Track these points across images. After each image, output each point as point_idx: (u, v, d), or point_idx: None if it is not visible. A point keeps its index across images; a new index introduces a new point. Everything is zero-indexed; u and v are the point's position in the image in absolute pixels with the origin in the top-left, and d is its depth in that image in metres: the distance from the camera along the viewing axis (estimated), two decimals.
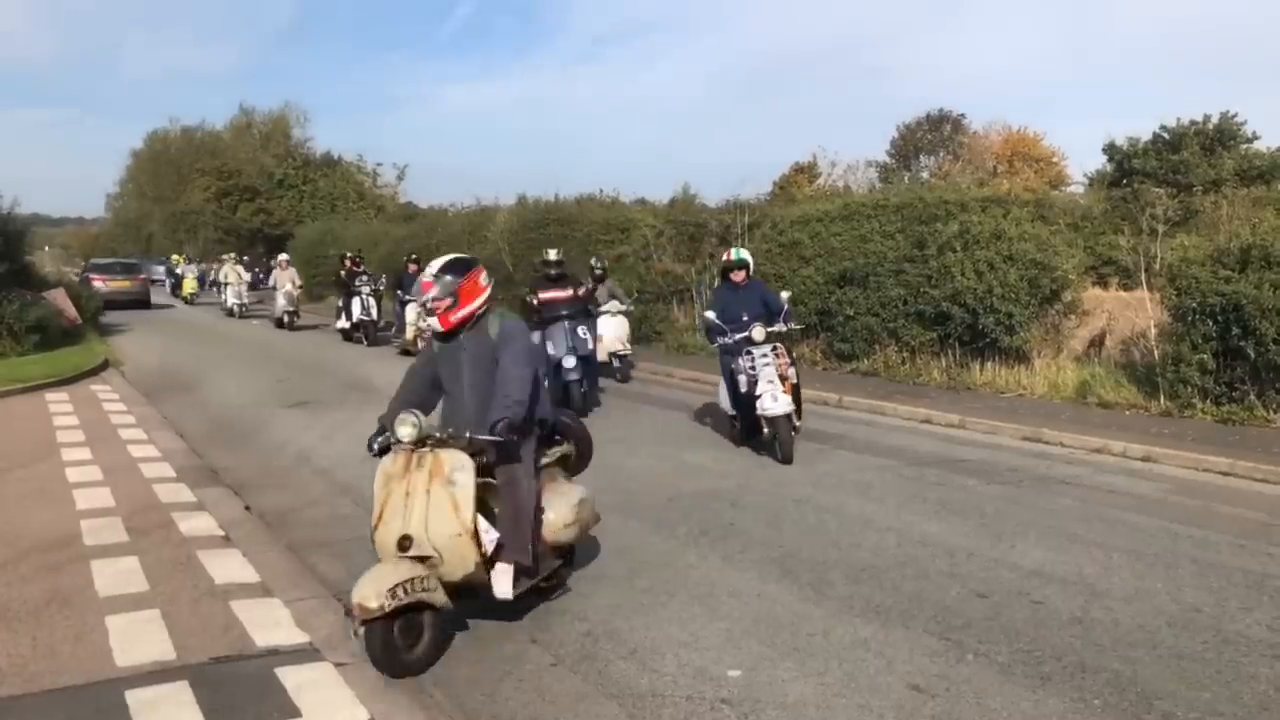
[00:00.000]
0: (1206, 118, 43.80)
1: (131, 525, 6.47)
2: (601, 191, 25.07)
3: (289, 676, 4.18)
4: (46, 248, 51.16)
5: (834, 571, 5.66)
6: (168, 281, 42.28)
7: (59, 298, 19.84)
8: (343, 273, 21.68)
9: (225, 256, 31.86)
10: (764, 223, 17.63)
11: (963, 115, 54.40)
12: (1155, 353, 11.14)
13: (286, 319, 24.16)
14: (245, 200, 52.74)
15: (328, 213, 47.18)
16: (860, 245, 14.38)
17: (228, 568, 5.65)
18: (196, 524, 6.55)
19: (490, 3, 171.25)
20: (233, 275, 29.25)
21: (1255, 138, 42.92)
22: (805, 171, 44.79)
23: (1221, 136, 43.03)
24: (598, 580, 5.60)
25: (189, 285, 36.53)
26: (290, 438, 10.05)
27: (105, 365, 15.26)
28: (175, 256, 44.11)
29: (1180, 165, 41.92)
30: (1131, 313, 12.41)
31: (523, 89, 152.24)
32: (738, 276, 9.57)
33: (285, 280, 24.84)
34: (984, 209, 13.22)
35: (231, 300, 28.81)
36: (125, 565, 5.66)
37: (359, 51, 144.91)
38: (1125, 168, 43.98)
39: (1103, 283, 15.55)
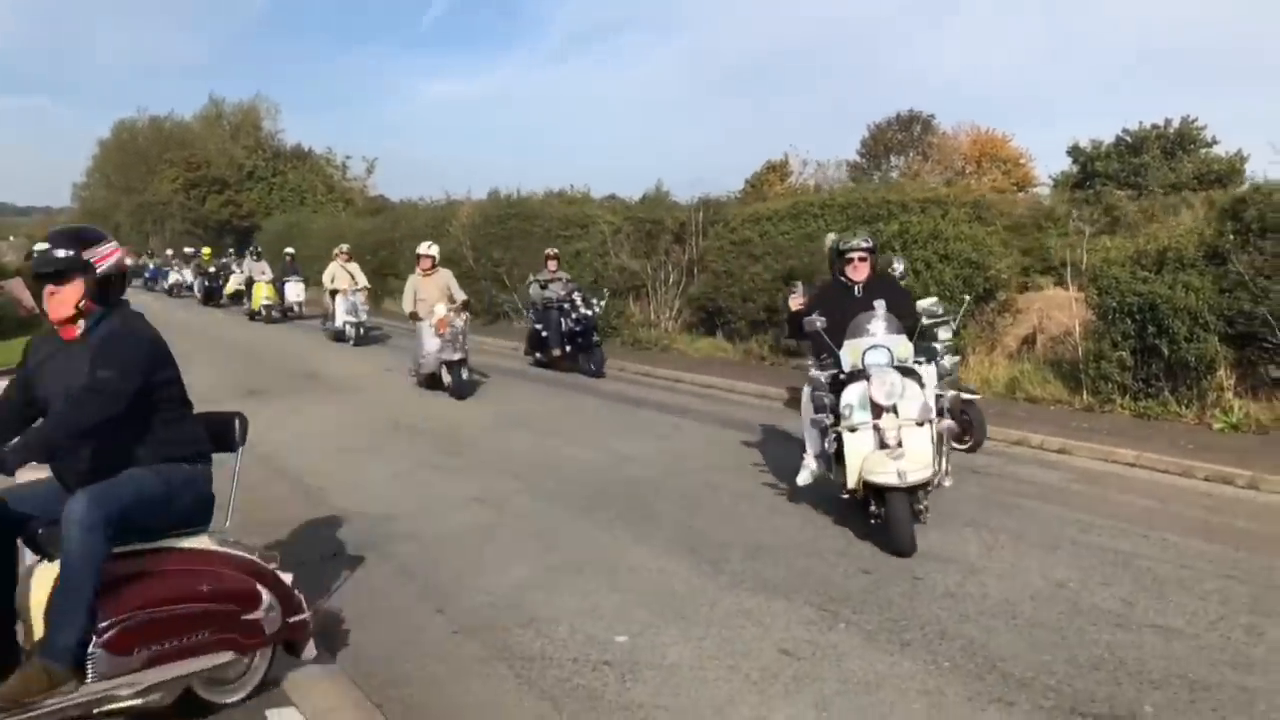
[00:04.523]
0: (1167, 122, 44.57)
1: None
2: (572, 187, 25.46)
3: None
4: (11, 237, 50.72)
5: (734, 550, 6.01)
6: (196, 283, 31.84)
7: (16, 287, 19.85)
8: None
9: (338, 250, 20.08)
10: (719, 221, 18.00)
11: (932, 116, 54.87)
12: (1079, 350, 11.57)
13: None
14: (214, 192, 52.55)
15: (296, 205, 47.25)
16: (806, 244, 14.76)
17: None
18: None
19: None
20: (344, 279, 19.13)
21: (1214, 142, 43.69)
22: (777, 170, 45.26)
23: (1182, 141, 43.88)
24: (510, 559, 5.92)
25: (264, 292, 24.20)
26: None
27: None
28: (206, 250, 34.01)
29: (1141, 168, 42.80)
30: (1061, 312, 12.85)
31: (501, 84, 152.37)
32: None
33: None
34: (923, 209, 13.62)
35: (344, 317, 18.73)
36: None
37: (334, 44, 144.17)
38: (1088, 170, 44.84)
39: (1038, 283, 15.98)
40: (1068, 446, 9.39)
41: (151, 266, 40.32)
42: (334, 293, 19.13)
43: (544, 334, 14.81)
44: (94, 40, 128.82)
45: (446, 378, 12.14)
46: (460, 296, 12.68)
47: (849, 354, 6.33)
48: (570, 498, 7.42)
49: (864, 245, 6.70)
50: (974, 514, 6.95)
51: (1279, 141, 16.39)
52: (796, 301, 7.14)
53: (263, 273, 24.84)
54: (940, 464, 6.34)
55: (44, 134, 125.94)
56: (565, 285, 14.92)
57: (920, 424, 5.99)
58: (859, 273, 6.72)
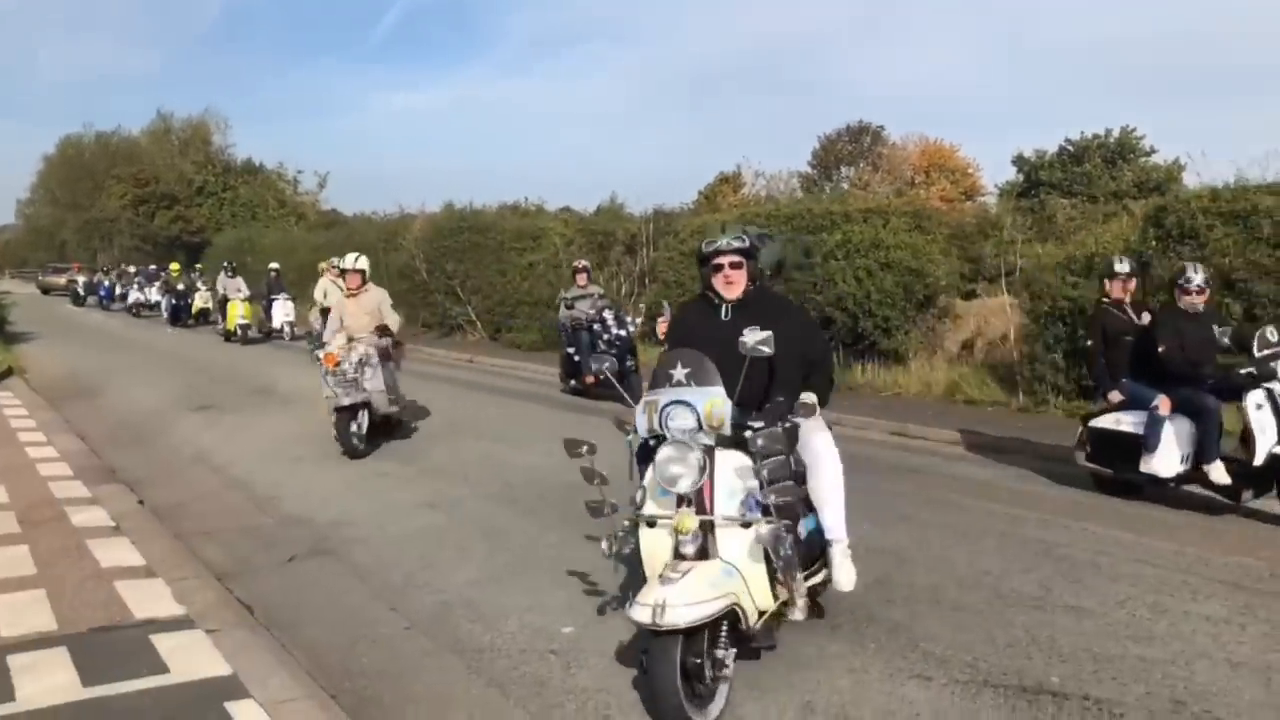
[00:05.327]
0: (1108, 132, 45.72)
1: (24, 518, 6.79)
2: (526, 200, 25.69)
3: (162, 642, 4.60)
4: None
5: None
6: (164, 302, 29.35)
7: None
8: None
9: (327, 264, 16.81)
10: (670, 232, 18.33)
11: (881, 127, 55.87)
12: (1015, 354, 12.02)
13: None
14: (163, 208, 52.18)
15: (248, 220, 47.02)
16: None
17: (115, 553, 6.02)
18: (88, 516, 6.88)
19: (422, 9, 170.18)
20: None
21: (1153, 151, 44.93)
22: (730, 182, 45.83)
23: (1122, 150, 45.03)
24: (460, 559, 6.13)
25: (239, 311, 22.22)
26: (190, 438, 10.39)
27: (9, 373, 15.27)
28: (175, 266, 31.42)
29: (1083, 177, 43.93)
30: (998, 317, 13.32)
31: (455, 96, 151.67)
32: None
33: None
34: (865, 219, 14.02)
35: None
36: (15, 552, 5.99)
37: (285, 57, 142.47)
38: (1033, 179, 45.93)
39: (989, 290, 16.48)
40: (1001, 445, 9.78)
41: (106, 284, 37.72)
42: (326, 311, 16.02)
43: (575, 358, 13.19)
44: (37, 54, 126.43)
45: (333, 430, 9.35)
46: (391, 320, 10.01)
47: (645, 413, 4.23)
48: (519, 501, 7.63)
49: (734, 245, 4.61)
50: (907, 509, 7.27)
51: (1209, 151, 17.07)
52: (664, 327, 5.31)
53: (238, 290, 22.77)
54: (784, 585, 4.13)
55: None
56: (595, 302, 13.36)
57: (745, 525, 4.02)
58: (730, 286, 4.62)
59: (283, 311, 22.38)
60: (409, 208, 27.84)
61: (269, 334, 22.59)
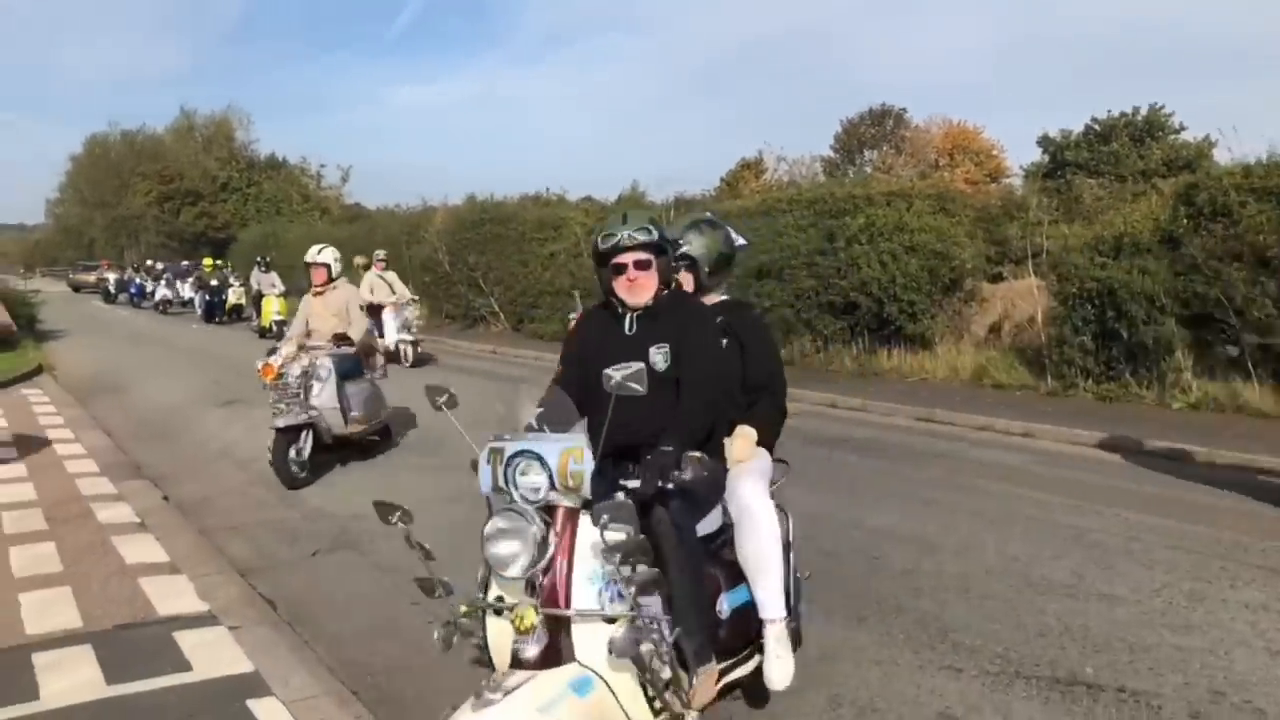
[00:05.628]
0: (1135, 110, 44.98)
1: (51, 515, 6.82)
2: (548, 190, 25.65)
3: (185, 639, 4.60)
4: None
5: None
6: (197, 299, 29.29)
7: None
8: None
9: (366, 259, 17.81)
10: None
11: (904, 110, 55.37)
12: (1043, 336, 11.84)
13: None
14: (188, 204, 52.63)
15: (272, 215, 47.33)
16: (776, 239, 14.93)
17: (140, 550, 6.03)
18: (114, 513, 6.91)
19: (437, 4, 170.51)
20: (384, 290, 16.15)
21: (1182, 129, 44.14)
22: (752, 168, 45.64)
23: (1150, 128, 44.29)
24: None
25: (274, 306, 21.41)
26: (216, 433, 10.43)
27: (39, 370, 15.42)
28: (208, 261, 31.23)
29: (1110, 156, 43.28)
30: (1026, 300, 13.13)
31: (473, 89, 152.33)
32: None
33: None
34: (888, 203, 13.85)
35: (395, 335, 15.74)
36: (42, 550, 6.02)
37: (306, 52, 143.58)
38: (1059, 159, 45.31)
39: (1016, 273, 16.26)
40: (1031, 430, 9.65)
41: (137, 281, 37.44)
42: (376, 307, 15.48)
43: None
44: (62, 54, 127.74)
45: (269, 454, 8.04)
46: (357, 327, 8.81)
47: (490, 463, 3.02)
48: None
49: (638, 239, 3.33)
50: (934, 495, 7.18)
51: (1240, 127, 16.71)
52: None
53: (273, 285, 21.82)
54: (660, 700, 2.85)
55: (16, 150, 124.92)
56: None
57: (610, 619, 2.81)
58: (636, 291, 3.38)
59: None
60: (431, 200, 27.87)
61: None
